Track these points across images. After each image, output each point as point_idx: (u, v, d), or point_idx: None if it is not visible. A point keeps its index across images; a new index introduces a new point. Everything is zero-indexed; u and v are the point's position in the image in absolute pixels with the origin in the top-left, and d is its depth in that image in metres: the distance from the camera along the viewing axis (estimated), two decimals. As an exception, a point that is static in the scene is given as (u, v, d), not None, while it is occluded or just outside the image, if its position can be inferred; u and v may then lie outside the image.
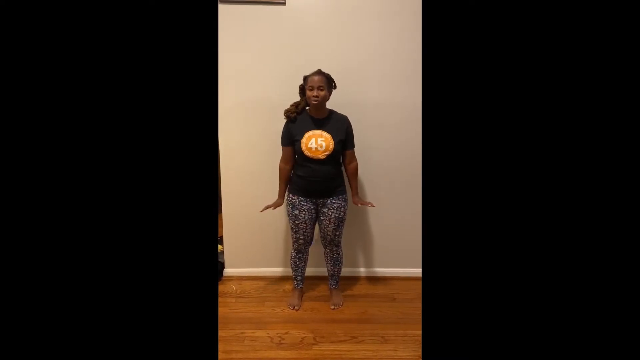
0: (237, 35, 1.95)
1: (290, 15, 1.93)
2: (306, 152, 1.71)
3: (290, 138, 1.76)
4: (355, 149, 1.84)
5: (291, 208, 1.83)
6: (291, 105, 1.78)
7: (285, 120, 1.78)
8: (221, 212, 2.16)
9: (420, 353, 1.61)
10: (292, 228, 1.87)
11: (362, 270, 2.28)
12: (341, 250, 1.97)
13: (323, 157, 1.71)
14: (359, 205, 1.86)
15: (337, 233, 1.87)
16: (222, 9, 1.90)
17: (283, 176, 1.83)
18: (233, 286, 2.15)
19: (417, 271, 2.22)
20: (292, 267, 2.00)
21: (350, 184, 1.88)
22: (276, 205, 1.85)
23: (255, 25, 1.94)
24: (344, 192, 1.84)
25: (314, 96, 1.68)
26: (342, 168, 1.86)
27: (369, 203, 1.86)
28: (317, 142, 1.69)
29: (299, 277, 2.01)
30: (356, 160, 1.85)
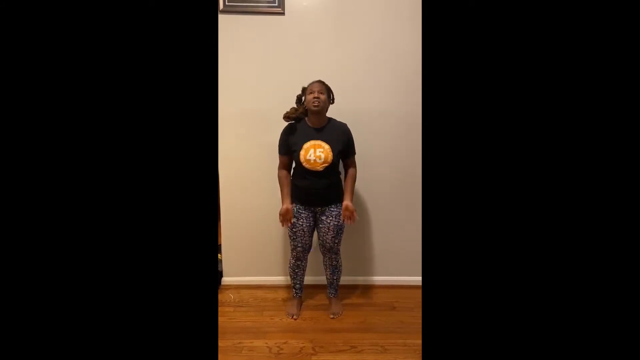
0: (236, 44, 1.96)
1: (290, 25, 1.95)
2: (304, 164, 1.70)
3: (288, 147, 1.74)
4: (354, 156, 1.83)
5: None
6: (291, 109, 1.75)
7: (286, 123, 1.75)
8: (219, 220, 2.15)
9: (420, 363, 1.60)
10: (290, 236, 1.86)
11: (362, 279, 2.27)
12: (340, 258, 1.95)
13: (321, 169, 1.70)
14: (347, 215, 1.72)
15: (336, 241, 1.85)
16: (222, 19, 1.92)
17: (283, 183, 1.79)
18: (231, 295, 2.13)
19: (417, 279, 2.21)
20: (290, 275, 1.98)
21: (344, 187, 1.79)
22: (287, 211, 1.74)
23: (255, 35, 1.96)
24: (342, 200, 1.83)
25: (314, 98, 1.65)
26: (341, 175, 1.85)
27: (352, 219, 1.73)
28: (315, 153, 1.68)
29: (297, 286, 1.99)
30: (355, 168, 1.83)
